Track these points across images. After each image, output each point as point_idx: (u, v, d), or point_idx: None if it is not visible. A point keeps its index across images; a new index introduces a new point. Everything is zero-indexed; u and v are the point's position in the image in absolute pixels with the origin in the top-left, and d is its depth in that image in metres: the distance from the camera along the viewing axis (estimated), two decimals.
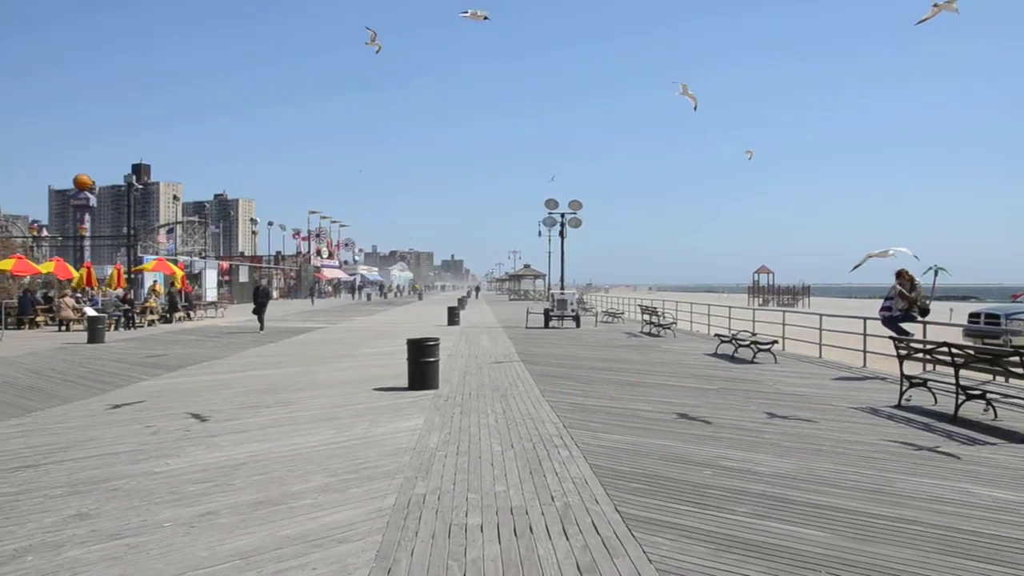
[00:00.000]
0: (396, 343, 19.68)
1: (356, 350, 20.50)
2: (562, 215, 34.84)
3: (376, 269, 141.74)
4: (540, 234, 38.59)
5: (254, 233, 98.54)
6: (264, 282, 28.57)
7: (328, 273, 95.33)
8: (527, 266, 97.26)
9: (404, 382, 12.95)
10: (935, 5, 12.24)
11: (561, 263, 36.54)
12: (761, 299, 74.38)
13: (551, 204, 34.60)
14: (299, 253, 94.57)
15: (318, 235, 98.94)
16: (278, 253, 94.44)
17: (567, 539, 5.38)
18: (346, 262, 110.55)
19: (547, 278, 71.49)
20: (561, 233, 35.13)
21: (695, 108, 17.63)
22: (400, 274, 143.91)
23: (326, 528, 5.60)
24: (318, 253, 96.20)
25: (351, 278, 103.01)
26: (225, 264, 69.34)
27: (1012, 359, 9.48)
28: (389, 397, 11.97)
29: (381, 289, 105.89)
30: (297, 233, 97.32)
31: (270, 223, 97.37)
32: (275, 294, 74.64)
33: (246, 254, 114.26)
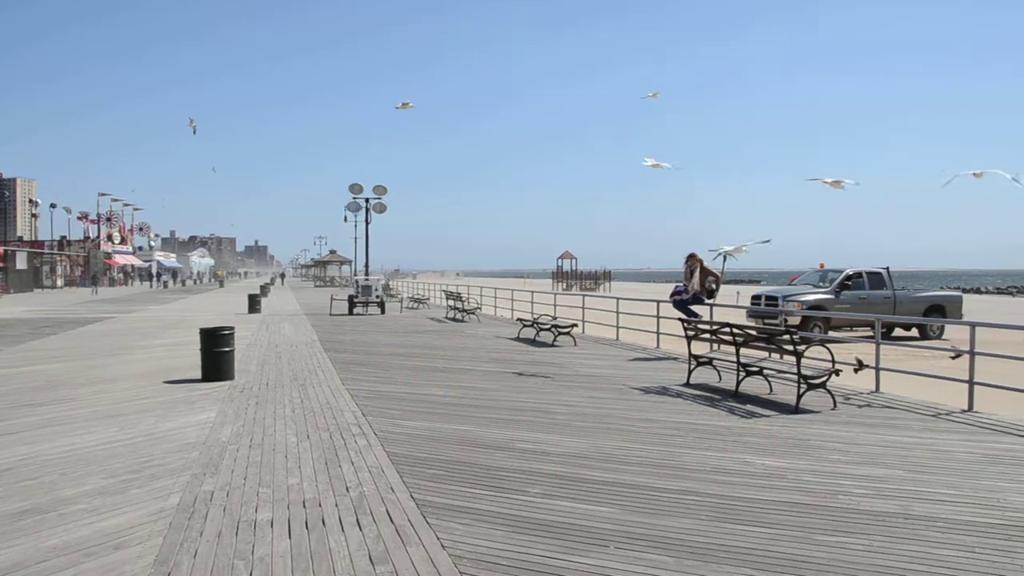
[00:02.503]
0: (191, 333, 18.69)
1: (147, 341, 19.39)
2: (367, 200, 34.28)
3: (174, 255, 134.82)
4: (346, 219, 37.72)
5: (35, 216, 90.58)
6: None
7: (120, 259, 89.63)
8: (333, 252, 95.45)
9: (198, 374, 12.35)
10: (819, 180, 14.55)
11: (366, 249, 36.15)
12: (565, 284, 76.54)
13: (356, 189, 33.97)
14: (87, 238, 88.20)
15: (109, 219, 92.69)
16: (63, 238, 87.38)
17: (360, 529, 5.30)
18: (141, 248, 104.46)
19: (353, 264, 70.42)
20: (366, 219, 34.64)
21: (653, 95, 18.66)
22: (200, 260, 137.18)
23: (101, 534, 5.23)
24: (109, 238, 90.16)
25: (146, 265, 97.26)
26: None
27: (783, 338, 10.22)
28: (180, 390, 11.39)
29: (175, 276, 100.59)
30: (84, 216, 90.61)
31: (53, 205, 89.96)
32: (60, 282, 69.45)
33: (25, 239, 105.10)
